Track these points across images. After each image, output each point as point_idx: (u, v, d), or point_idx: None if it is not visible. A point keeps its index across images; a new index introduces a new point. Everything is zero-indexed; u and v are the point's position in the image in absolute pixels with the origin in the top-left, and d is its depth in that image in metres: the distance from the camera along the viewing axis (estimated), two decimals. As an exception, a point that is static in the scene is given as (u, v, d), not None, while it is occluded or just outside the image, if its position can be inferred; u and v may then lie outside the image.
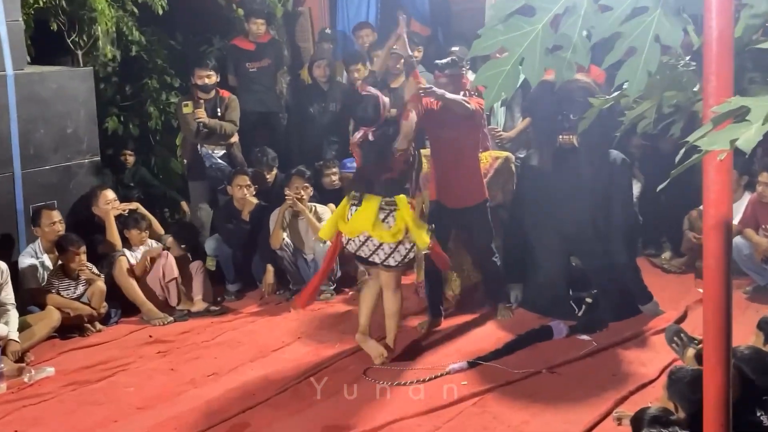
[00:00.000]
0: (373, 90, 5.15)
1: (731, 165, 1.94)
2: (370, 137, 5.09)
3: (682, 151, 1.90)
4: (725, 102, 1.68)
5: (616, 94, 2.69)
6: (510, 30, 1.96)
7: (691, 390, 3.31)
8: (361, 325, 5.36)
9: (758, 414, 3.36)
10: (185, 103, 7.36)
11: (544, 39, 1.94)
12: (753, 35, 2.19)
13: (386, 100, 5.17)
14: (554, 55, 1.98)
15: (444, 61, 5.73)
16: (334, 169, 7.30)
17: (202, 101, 7.25)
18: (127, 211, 6.81)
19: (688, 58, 2.40)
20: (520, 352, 5.32)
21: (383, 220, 5.03)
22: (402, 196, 5.06)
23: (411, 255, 5.22)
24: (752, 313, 5.40)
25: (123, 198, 7.03)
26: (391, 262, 5.13)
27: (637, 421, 3.37)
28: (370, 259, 5.17)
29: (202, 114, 7.22)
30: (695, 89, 2.50)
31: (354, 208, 5.12)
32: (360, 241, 5.11)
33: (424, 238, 5.05)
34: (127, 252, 6.47)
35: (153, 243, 6.65)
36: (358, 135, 5.17)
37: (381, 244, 5.05)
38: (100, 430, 4.58)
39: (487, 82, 2.01)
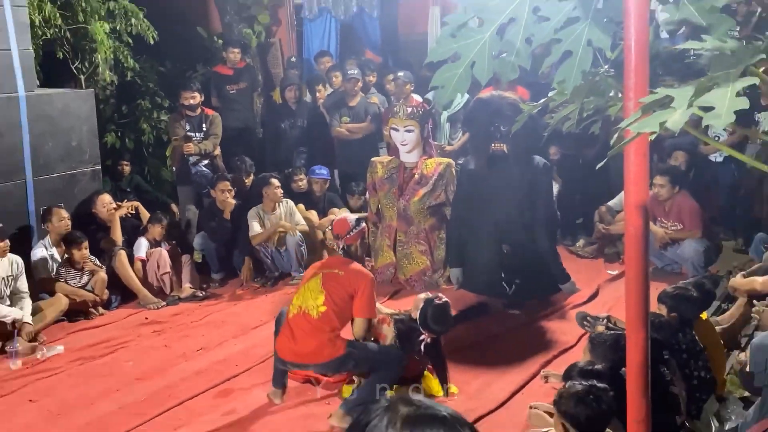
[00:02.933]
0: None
1: (647, 150, 1.92)
2: None
3: (615, 135, 1.88)
4: (653, 92, 1.67)
5: (543, 100, 2.67)
6: (462, 38, 1.92)
7: (612, 351, 3.32)
8: None
9: (661, 369, 3.39)
10: (175, 138, 7.21)
11: (491, 45, 1.91)
12: (660, 43, 2.17)
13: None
14: (500, 59, 1.95)
15: None
16: (302, 176, 7.25)
17: (191, 138, 7.13)
18: (133, 209, 6.72)
19: (606, 66, 2.39)
20: (462, 325, 5.30)
21: None
22: None
23: None
24: (652, 290, 5.43)
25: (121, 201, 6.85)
26: None
27: (568, 375, 3.36)
28: None
29: (190, 148, 7.11)
30: (611, 94, 2.49)
31: None
32: None
33: None
34: (143, 242, 6.37)
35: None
36: None
37: None
38: (104, 399, 4.47)
39: (443, 82, 1.98)
